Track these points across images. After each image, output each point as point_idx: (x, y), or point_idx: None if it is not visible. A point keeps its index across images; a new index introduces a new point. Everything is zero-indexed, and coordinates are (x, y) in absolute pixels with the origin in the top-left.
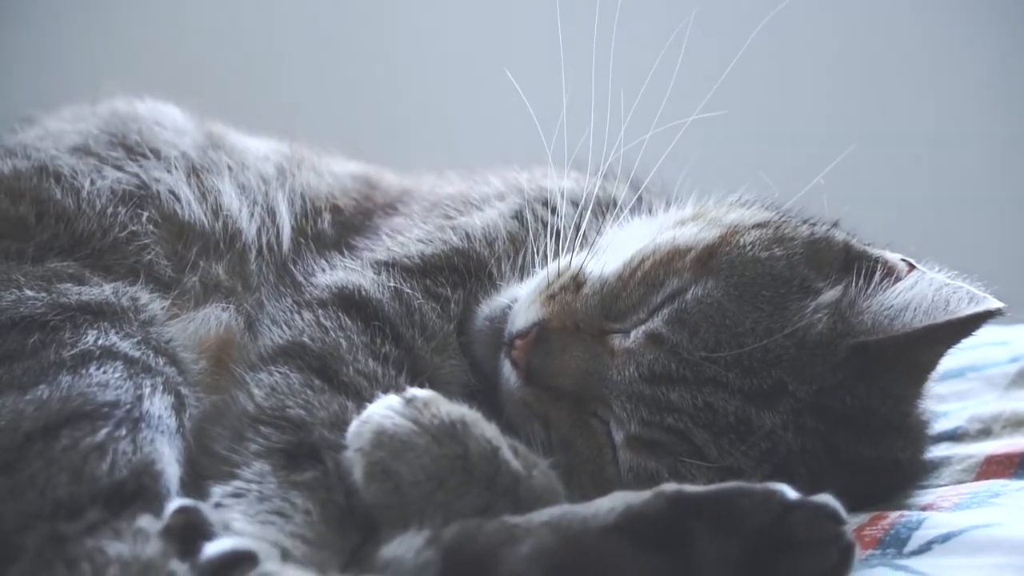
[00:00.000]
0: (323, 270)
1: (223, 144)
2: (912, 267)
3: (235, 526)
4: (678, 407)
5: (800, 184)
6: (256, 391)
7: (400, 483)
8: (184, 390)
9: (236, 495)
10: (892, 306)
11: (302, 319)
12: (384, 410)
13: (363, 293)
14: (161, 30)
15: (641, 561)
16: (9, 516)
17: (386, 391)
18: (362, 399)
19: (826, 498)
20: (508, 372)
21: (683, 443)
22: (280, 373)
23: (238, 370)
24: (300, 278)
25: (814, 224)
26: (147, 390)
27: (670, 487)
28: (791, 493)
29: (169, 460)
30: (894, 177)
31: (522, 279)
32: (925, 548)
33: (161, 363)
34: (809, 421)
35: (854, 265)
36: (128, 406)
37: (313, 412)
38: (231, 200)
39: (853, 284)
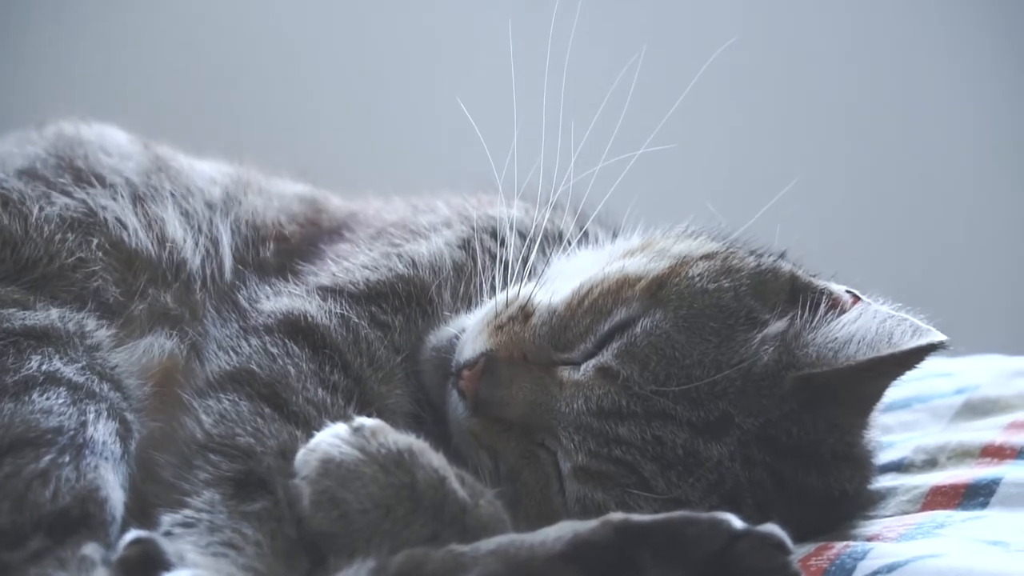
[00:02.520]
0: (267, 296)
1: (168, 169)
2: (857, 299)
3: (188, 558)
4: (626, 440)
5: (747, 215)
6: (205, 418)
7: (347, 512)
8: (129, 416)
9: (186, 524)
10: (837, 338)
11: (249, 345)
12: (331, 438)
13: (309, 319)
14: (115, 45)
15: None
16: None
17: (335, 421)
18: (311, 428)
19: (772, 527)
20: (456, 402)
21: (631, 475)
22: (229, 400)
23: (185, 396)
24: (245, 304)
25: (761, 255)
26: (91, 416)
27: (617, 516)
28: (737, 522)
29: (114, 486)
30: (839, 208)
31: (469, 309)
32: None
33: (106, 389)
34: (756, 452)
35: (799, 297)
36: (72, 432)
37: (263, 441)
38: (175, 230)
39: (799, 316)
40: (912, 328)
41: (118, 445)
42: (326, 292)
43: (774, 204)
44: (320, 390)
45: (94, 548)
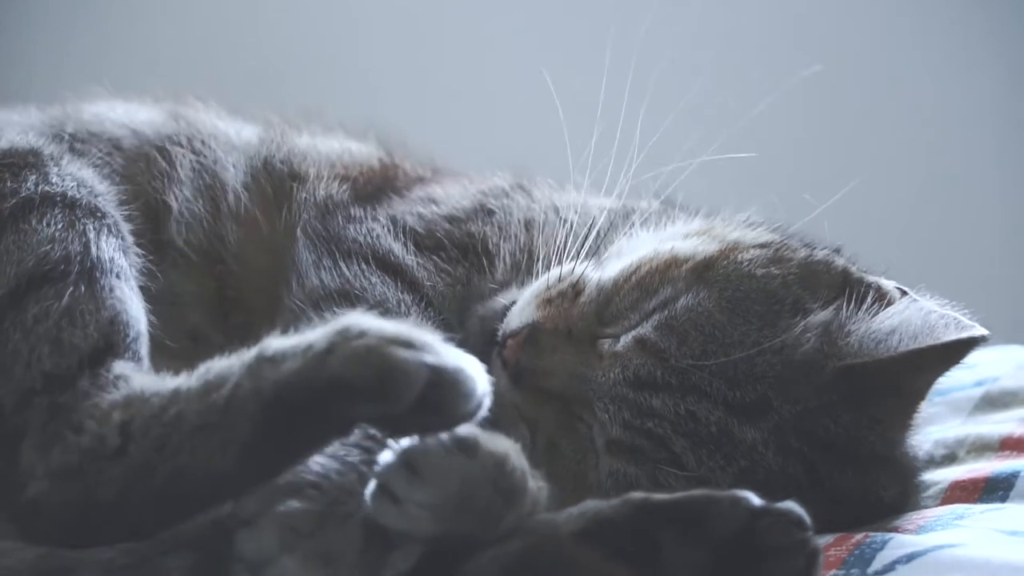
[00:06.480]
0: (355, 226)
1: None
2: (905, 294)
3: None
4: (660, 413)
5: (808, 209)
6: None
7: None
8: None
9: None
10: (879, 330)
11: (349, 270)
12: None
13: (393, 258)
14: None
15: (606, 568)
16: (6, 398)
17: None
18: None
19: (790, 504)
20: (499, 372)
21: (662, 450)
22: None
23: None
24: (335, 230)
25: (814, 248)
26: (92, 235)
27: (638, 495)
28: (756, 500)
29: (131, 299)
30: (900, 206)
31: (526, 283)
32: (889, 568)
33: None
34: (792, 441)
35: (847, 290)
36: (79, 256)
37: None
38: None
39: (844, 307)
40: (955, 322)
41: (123, 259)
42: (410, 234)
43: (835, 200)
44: (420, 318)
45: (123, 365)
